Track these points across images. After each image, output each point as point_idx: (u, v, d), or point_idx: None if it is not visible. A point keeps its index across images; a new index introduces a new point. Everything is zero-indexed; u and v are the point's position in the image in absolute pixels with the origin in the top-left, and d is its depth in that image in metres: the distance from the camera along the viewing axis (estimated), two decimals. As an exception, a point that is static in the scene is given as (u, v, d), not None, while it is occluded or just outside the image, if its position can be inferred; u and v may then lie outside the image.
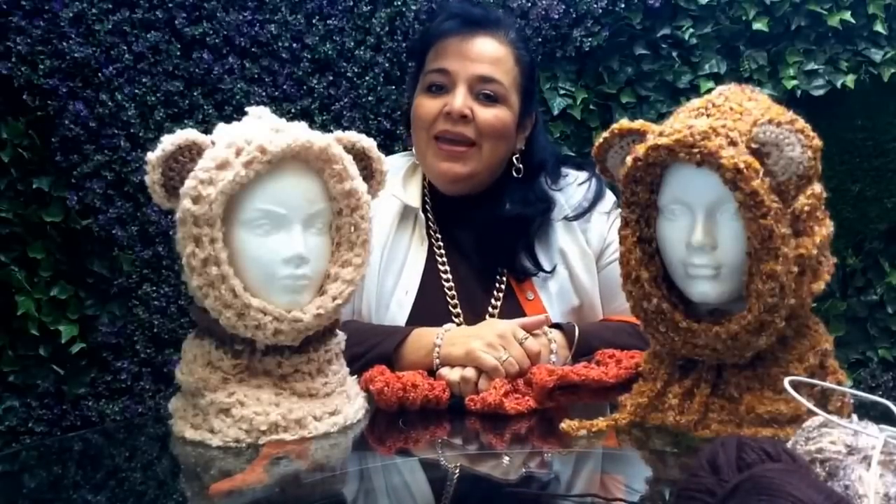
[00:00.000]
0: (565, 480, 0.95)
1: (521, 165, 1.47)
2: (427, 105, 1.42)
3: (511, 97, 1.42)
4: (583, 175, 1.51)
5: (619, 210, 1.05)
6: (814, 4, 2.10)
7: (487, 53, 1.41)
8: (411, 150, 1.54)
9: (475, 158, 1.41)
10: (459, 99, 1.39)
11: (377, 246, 1.43)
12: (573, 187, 1.50)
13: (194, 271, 0.99)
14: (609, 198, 1.49)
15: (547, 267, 1.43)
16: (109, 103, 1.87)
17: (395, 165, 1.45)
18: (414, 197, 1.47)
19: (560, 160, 1.56)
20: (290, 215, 1.02)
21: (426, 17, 1.93)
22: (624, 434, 1.02)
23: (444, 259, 1.46)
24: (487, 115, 1.40)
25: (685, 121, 0.95)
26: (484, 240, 1.45)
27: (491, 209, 1.45)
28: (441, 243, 1.47)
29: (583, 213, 1.47)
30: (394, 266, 1.44)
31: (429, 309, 1.40)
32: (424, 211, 1.47)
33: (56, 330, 1.92)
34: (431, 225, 1.48)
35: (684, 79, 2.11)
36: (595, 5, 2.03)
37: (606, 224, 1.46)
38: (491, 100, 1.41)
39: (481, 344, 1.20)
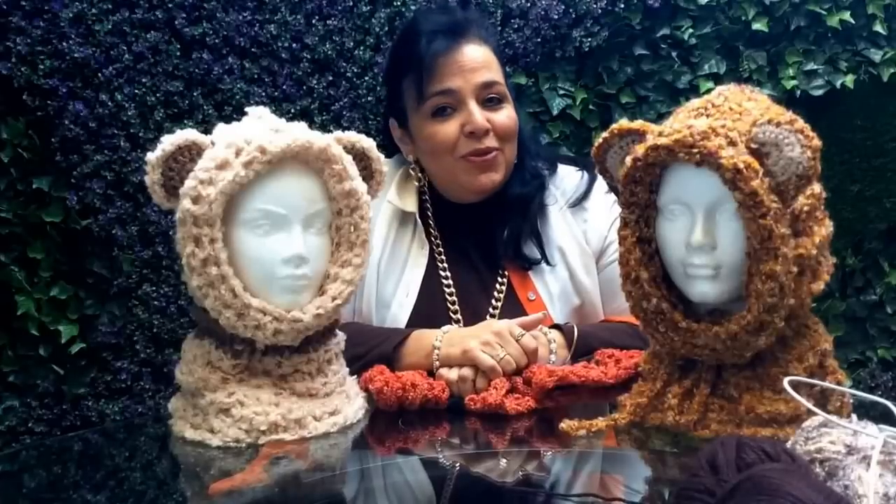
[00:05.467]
0: (565, 480, 0.95)
1: None
2: (442, 131, 1.40)
3: (506, 89, 1.44)
4: (575, 168, 1.52)
5: (619, 210, 1.05)
6: (813, 4, 2.10)
7: (479, 59, 1.41)
8: (400, 154, 1.53)
9: (503, 162, 1.43)
10: (477, 115, 1.39)
11: (378, 248, 1.43)
12: (567, 179, 1.51)
13: (194, 271, 0.99)
14: (601, 182, 1.48)
15: (549, 258, 1.43)
16: (109, 103, 1.86)
17: (388, 170, 1.45)
18: (411, 203, 1.47)
19: (556, 158, 1.57)
20: (289, 215, 1.02)
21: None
22: (624, 434, 1.03)
23: (445, 261, 1.46)
24: (502, 118, 1.41)
25: (685, 121, 0.95)
26: (489, 230, 1.45)
27: (492, 199, 1.45)
28: (441, 247, 1.47)
29: (580, 200, 1.47)
30: (395, 268, 1.44)
31: (429, 310, 1.40)
32: (424, 217, 1.47)
33: (56, 330, 1.91)
34: (432, 230, 1.48)
35: (684, 79, 2.11)
36: (595, 5, 2.03)
37: (606, 217, 1.46)
38: (496, 102, 1.42)
39: (478, 343, 1.20)
